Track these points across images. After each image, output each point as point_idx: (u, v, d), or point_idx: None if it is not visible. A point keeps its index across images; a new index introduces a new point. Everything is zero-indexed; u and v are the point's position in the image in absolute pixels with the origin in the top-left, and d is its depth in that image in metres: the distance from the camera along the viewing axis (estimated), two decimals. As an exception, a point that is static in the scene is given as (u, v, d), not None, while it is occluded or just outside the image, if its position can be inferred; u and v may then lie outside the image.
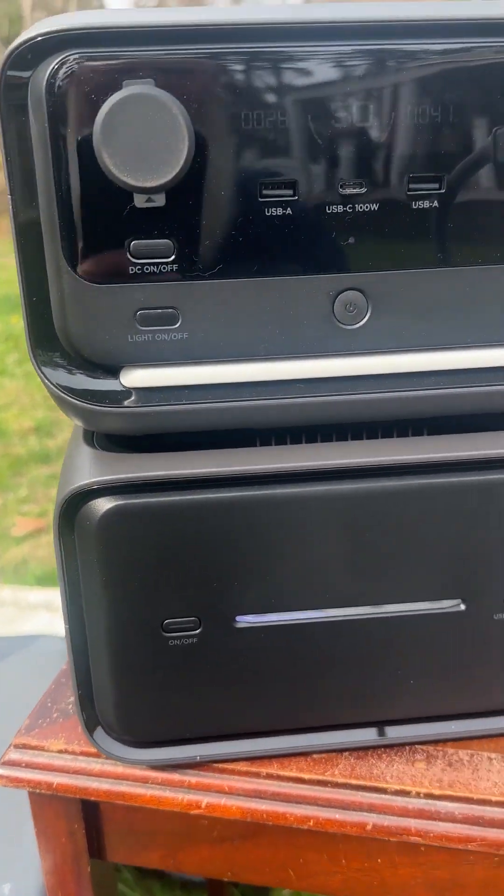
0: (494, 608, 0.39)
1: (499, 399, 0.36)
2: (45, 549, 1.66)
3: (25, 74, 0.31)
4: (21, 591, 1.48)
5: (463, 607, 0.39)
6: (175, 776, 0.42)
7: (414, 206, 0.33)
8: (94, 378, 0.35)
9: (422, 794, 0.40)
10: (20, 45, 0.30)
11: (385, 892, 0.43)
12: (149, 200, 0.32)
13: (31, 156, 0.32)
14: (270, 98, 0.31)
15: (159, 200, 0.32)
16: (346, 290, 0.34)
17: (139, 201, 0.32)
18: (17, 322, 2.81)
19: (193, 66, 0.31)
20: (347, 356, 0.35)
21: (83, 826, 0.45)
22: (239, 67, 0.31)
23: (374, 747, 0.42)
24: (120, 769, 0.42)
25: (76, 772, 0.42)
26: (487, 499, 0.37)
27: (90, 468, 0.36)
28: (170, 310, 0.34)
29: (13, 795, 0.46)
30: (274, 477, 0.36)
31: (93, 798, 0.42)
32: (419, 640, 0.39)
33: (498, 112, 0.32)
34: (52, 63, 0.30)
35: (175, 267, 0.33)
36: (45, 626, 1.35)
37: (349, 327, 0.35)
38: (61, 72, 0.30)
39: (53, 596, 1.45)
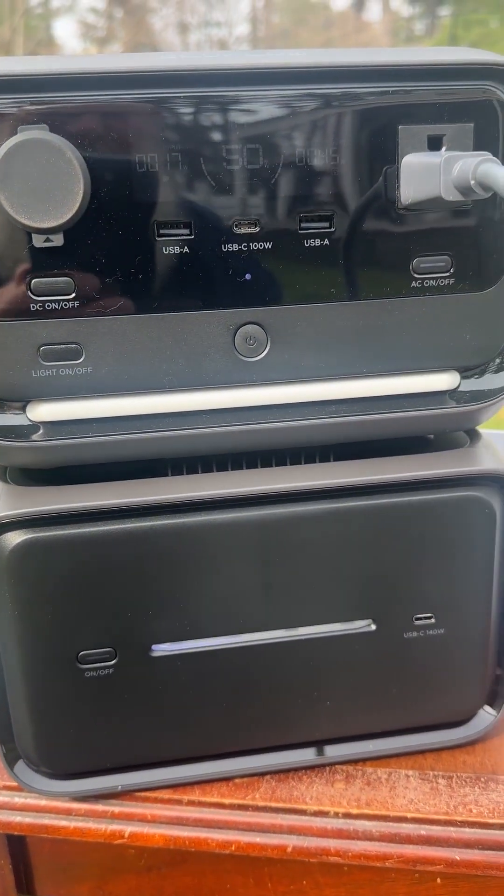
0: (403, 627, 0.40)
1: (393, 425, 0.37)
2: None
3: None
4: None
5: (374, 627, 0.40)
6: (98, 807, 0.42)
7: (306, 244, 0.34)
8: (0, 413, 0.35)
9: (340, 814, 0.40)
10: None
11: (311, 914, 0.44)
12: (47, 240, 0.32)
13: None
14: (161, 141, 0.32)
15: (58, 240, 0.33)
16: (246, 324, 0.35)
17: (38, 241, 0.32)
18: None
19: (85, 112, 0.32)
20: (250, 387, 0.36)
21: (9, 861, 0.45)
22: (129, 112, 0.32)
23: (293, 770, 0.42)
24: (42, 802, 0.42)
25: (-2, 806, 0.42)
26: (393, 522, 0.38)
27: (0, 502, 0.36)
28: (73, 345, 0.34)
29: None
30: (184, 506, 0.37)
31: (16, 832, 0.42)
32: (333, 661, 0.40)
33: (384, 152, 0.34)
34: None
35: (76, 304, 0.34)
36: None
37: (250, 360, 0.36)
38: None
39: None
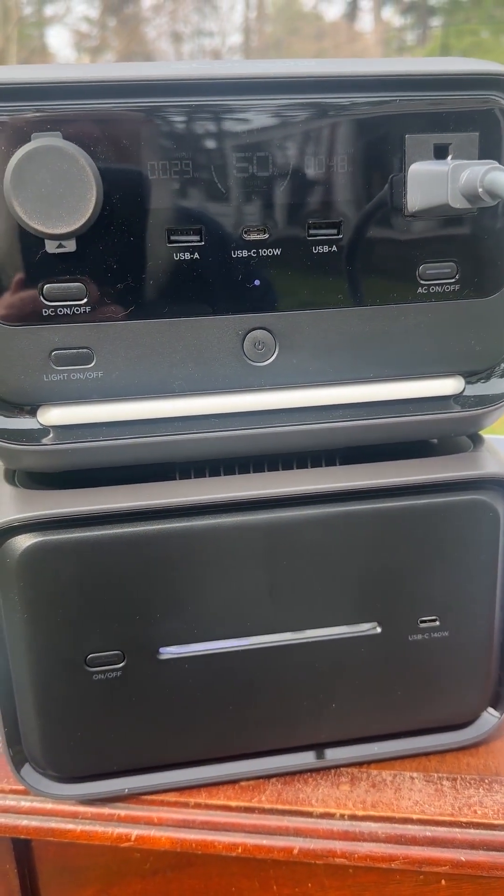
0: (409, 630, 0.40)
1: (399, 429, 0.38)
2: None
3: None
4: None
5: (379, 630, 0.40)
6: (104, 810, 0.42)
7: (315, 251, 0.35)
8: (11, 417, 0.36)
9: (346, 816, 0.41)
10: None
11: (316, 916, 0.44)
12: (60, 246, 0.33)
13: None
14: (173, 148, 0.33)
15: (70, 246, 0.33)
16: (255, 329, 0.36)
17: (50, 247, 0.33)
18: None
19: (98, 119, 0.32)
20: (258, 392, 0.37)
21: (14, 866, 0.45)
22: (142, 120, 0.32)
23: (299, 772, 0.43)
24: (49, 805, 0.42)
25: (5, 810, 0.42)
26: (398, 525, 0.39)
27: (10, 506, 0.37)
28: (84, 350, 0.35)
29: None
30: (192, 509, 0.37)
31: (23, 836, 0.42)
32: (339, 664, 0.41)
33: (391, 161, 0.35)
34: None
35: (88, 309, 0.34)
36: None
37: (259, 364, 0.36)
38: None
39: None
